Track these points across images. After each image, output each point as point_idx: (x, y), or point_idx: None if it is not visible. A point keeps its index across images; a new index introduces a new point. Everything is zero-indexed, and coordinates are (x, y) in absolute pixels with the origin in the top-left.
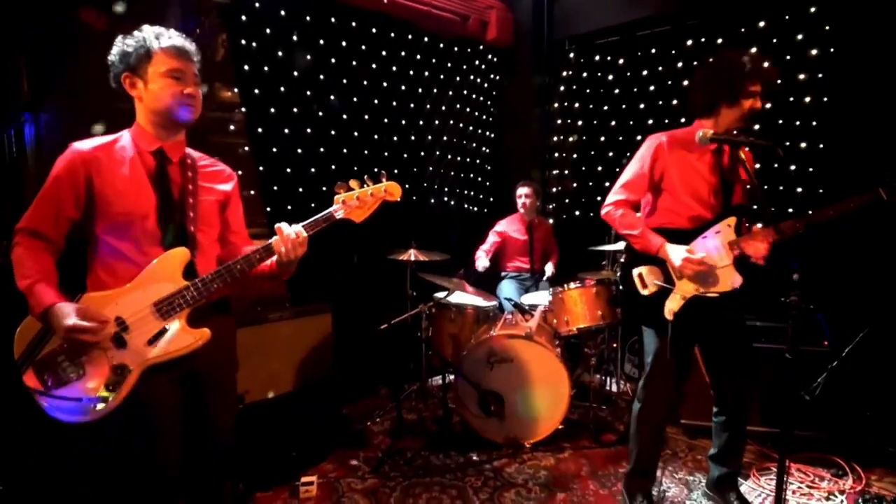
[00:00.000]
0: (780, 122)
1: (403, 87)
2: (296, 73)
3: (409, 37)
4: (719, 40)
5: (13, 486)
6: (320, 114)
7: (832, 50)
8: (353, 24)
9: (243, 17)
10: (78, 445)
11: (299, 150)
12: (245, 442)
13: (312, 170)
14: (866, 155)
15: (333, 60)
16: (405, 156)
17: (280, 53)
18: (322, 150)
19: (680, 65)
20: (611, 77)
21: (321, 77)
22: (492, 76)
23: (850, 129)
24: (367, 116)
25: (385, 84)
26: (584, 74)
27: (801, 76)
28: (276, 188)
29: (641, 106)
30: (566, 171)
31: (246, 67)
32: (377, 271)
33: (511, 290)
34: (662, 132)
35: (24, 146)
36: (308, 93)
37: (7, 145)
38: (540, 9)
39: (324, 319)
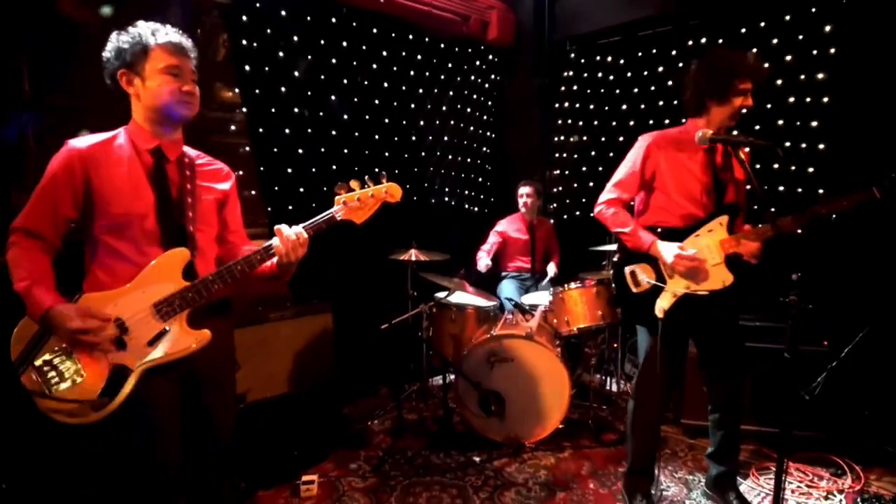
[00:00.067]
0: (781, 122)
1: (404, 88)
2: (296, 74)
3: (410, 37)
4: (720, 40)
5: (13, 486)
6: (321, 114)
7: (833, 50)
8: (354, 24)
9: (244, 18)
10: (78, 445)
11: (300, 151)
12: (246, 441)
13: (313, 170)
14: (867, 155)
15: (334, 61)
16: (406, 156)
17: (281, 54)
18: (323, 150)
19: (681, 65)
20: (612, 77)
21: (322, 77)
22: (493, 76)
23: (851, 129)
24: (367, 116)
25: (386, 84)
26: (585, 74)
27: (802, 76)
28: (277, 188)
29: (642, 106)
30: (567, 172)
31: (247, 67)
32: (378, 271)
33: (511, 289)
34: (654, 131)
35: (25, 146)
36: (309, 93)
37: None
38: (541, 9)
39: (325, 319)
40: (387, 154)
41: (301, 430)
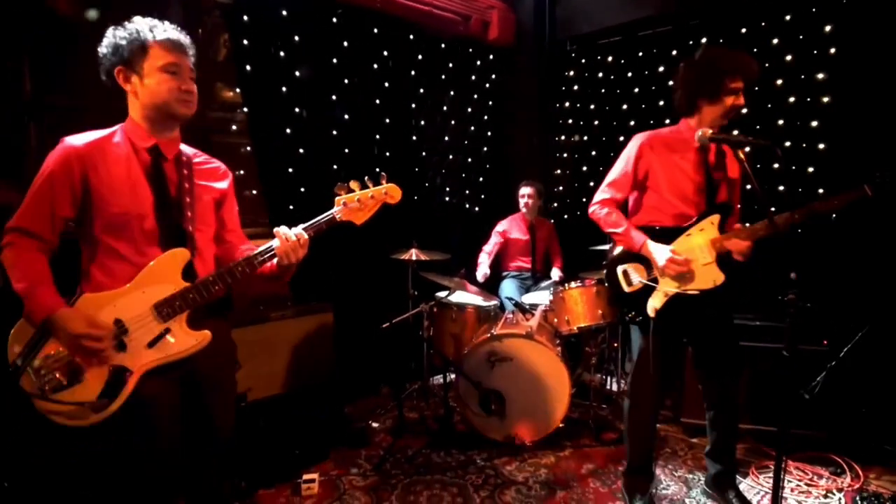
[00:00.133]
0: (781, 122)
1: (405, 87)
2: (297, 74)
3: (411, 37)
4: (720, 41)
5: (13, 486)
6: (322, 114)
7: (833, 50)
8: (355, 24)
9: (245, 18)
10: (78, 445)
11: (301, 150)
12: (247, 440)
13: (314, 169)
14: (867, 155)
15: (335, 60)
16: (406, 155)
17: (282, 53)
18: (324, 150)
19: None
20: (612, 77)
21: (323, 77)
22: (493, 76)
23: (852, 129)
24: (368, 116)
25: (386, 84)
26: (586, 74)
27: (802, 76)
28: (277, 188)
29: (643, 106)
30: (567, 171)
31: (248, 67)
32: (379, 271)
33: (512, 289)
34: (647, 131)
35: (26, 146)
36: (310, 93)
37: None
38: (542, 9)
39: (325, 318)
40: (387, 154)
41: (302, 429)
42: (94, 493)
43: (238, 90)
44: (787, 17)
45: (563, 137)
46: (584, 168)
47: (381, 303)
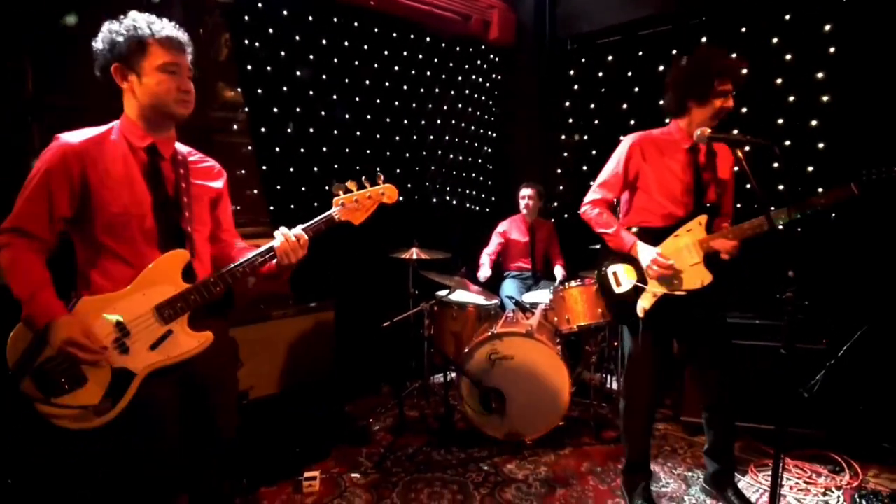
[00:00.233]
0: (781, 121)
1: (405, 87)
2: (298, 73)
3: (412, 36)
4: (721, 40)
5: (13, 486)
6: (323, 113)
7: (833, 50)
8: (356, 23)
9: (246, 17)
10: (78, 445)
11: (302, 150)
12: (249, 438)
13: (315, 169)
14: (867, 154)
15: (336, 60)
16: (407, 155)
17: (283, 53)
18: (325, 149)
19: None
20: (612, 76)
21: (324, 77)
22: (494, 75)
23: (851, 128)
24: (369, 116)
25: (387, 83)
26: (586, 74)
27: (802, 75)
28: (278, 187)
29: (643, 105)
30: (568, 170)
31: (249, 67)
32: (379, 270)
33: (512, 288)
34: (638, 132)
35: (29, 146)
36: (311, 92)
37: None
38: (542, 8)
39: (327, 317)
40: (388, 153)
41: (303, 428)
42: (94, 493)
43: (239, 90)
44: (787, 17)
45: (563, 136)
46: (585, 167)
47: (382, 302)
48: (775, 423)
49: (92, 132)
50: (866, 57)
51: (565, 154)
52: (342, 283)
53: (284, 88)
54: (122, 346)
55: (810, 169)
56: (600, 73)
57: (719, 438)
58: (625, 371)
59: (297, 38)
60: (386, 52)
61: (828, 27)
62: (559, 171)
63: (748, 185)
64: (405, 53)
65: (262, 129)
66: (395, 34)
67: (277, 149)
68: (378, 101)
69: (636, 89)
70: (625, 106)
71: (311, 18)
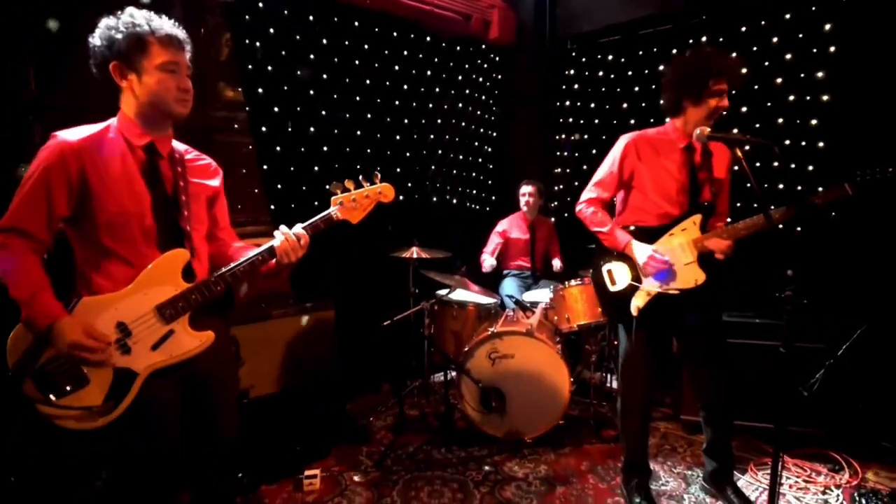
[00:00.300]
0: (781, 120)
1: (406, 86)
2: (299, 73)
3: (412, 36)
4: (721, 39)
5: (14, 486)
6: (323, 113)
7: (833, 49)
8: (356, 23)
9: (247, 17)
10: (79, 445)
11: (302, 149)
12: (250, 436)
13: (316, 168)
14: (867, 154)
15: (336, 60)
16: (408, 154)
17: (283, 53)
18: (325, 148)
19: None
20: (613, 76)
21: (324, 76)
22: (494, 75)
23: (851, 127)
24: (369, 115)
25: (388, 83)
26: (586, 73)
27: (802, 75)
28: (279, 186)
29: (643, 105)
30: (568, 170)
31: (249, 67)
32: (380, 269)
33: (512, 287)
34: (634, 132)
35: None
36: (311, 92)
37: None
38: (542, 8)
39: (327, 316)
40: (388, 153)
41: (304, 426)
42: (95, 493)
43: (240, 89)
44: (787, 16)
45: (563, 136)
46: (584, 167)
47: (383, 301)
48: (775, 421)
49: (89, 130)
50: (866, 56)
51: (565, 153)
52: (342, 282)
53: (285, 88)
54: (124, 347)
55: (810, 168)
56: (600, 73)
57: (717, 437)
58: (620, 370)
59: (298, 37)
60: (386, 52)
61: (828, 26)
62: (558, 170)
63: (749, 185)
64: (405, 53)
65: (263, 129)
66: (395, 34)
67: (278, 148)
68: (378, 100)
69: (636, 89)
70: (625, 105)
71: (311, 18)
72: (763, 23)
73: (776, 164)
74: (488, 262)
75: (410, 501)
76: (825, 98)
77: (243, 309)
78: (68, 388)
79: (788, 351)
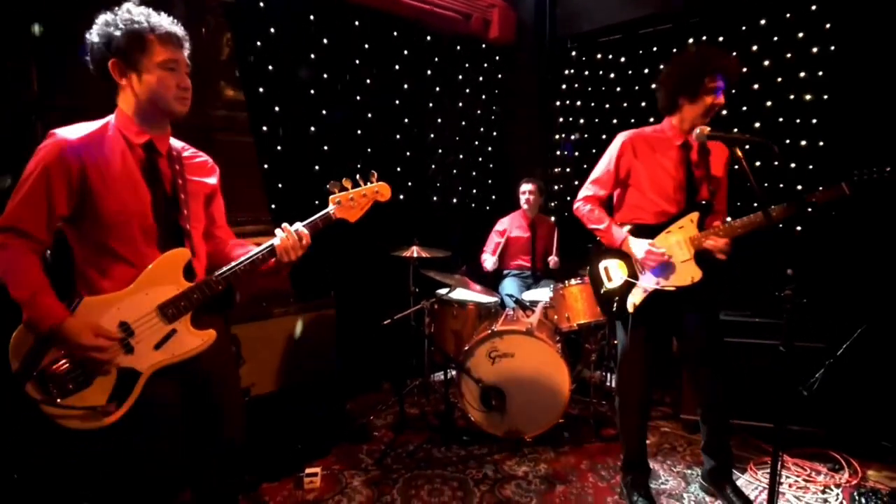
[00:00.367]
0: (781, 119)
1: (406, 86)
2: (300, 72)
3: (412, 35)
4: (721, 38)
5: (15, 487)
6: (324, 112)
7: (833, 48)
8: (357, 22)
9: (248, 17)
10: (78, 445)
11: (303, 148)
12: (251, 434)
13: (316, 168)
14: (867, 153)
15: (337, 59)
16: (408, 154)
17: (284, 52)
18: (325, 148)
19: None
20: (613, 75)
21: (325, 76)
22: (494, 74)
23: (851, 127)
24: (370, 115)
25: (388, 82)
26: (587, 73)
27: (802, 74)
28: (279, 185)
29: (643, 104)
30: (568, 170)
31: (250, 66)
32: (380, 268)
33: (513, 286)
34: (631, 130)
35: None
36: (311, 91)
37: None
38: (542, 7)
39: (327, 315)
40: (389, 152)
41: (304, 425)
42: (95, 493)
43: (240, 89)
44: (787, 15)
45: (563, 135)
46: (585, 166)
47: (383, 300)
48: (774, 420)
49: (88, 128)
50: (866, 56)
51: (565, 153)
52: (343, 281)
53: (286, 87)
54: (127, 346)
55: (811, 167)
56: (600, 72)
57: (714, 435)
58: (618, 367)
59: (298, 37)
60: (387, 51)
61: (828, 25)
62: (558, 169)
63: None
64: (406, 52)
65: (264, 128)
66: (395, 33)
67: (278, 147)
68: (379, 99)
69: (636, 88)
70: (625, 105)
71: (312, 17)
72: (763, 22)
73: (776, 163)
74: (490, 261)
75: (411, 500)
76: (825, 97)
77: (244, 308)
78: (72, 387)
79: (788, 350)
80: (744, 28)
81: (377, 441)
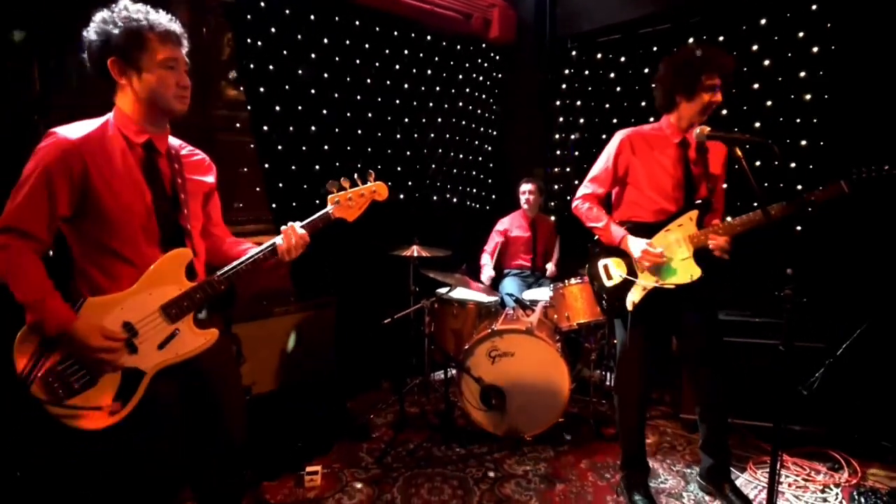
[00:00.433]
0: (781, 119)
1: (407, 85)
2: (300, 72)
3: (413, 35)
4: (721, 38)
5: (15, 487)
6: (324, 111)
7: (833, 47)
8: (357, 22)
9: (248, 17)
10: (78, 445)
11: (304, 148)
12: (251, 432)
13: (317, 167)
14: (867, 152)
15: (337, 59)
16: (408, 153)
17: (285, 52)
18: (326, 147)
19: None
20: (612, 75)
21: (325, 75)
22: (494, 74)
23: (851, 126)
24: (370, 114)
25: (388, 82)
26: (586, 72)
27: (802, 73)
28: (280, 185)
29: (643, 104)
30: (568, 169)
31: (251, 66)
32: (380, 267)
33: (513, 286)
34: (630, 128)
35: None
36: (312, 91)
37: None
38: (542, 7)
39: (328, 314)
40: (389, 151)
41: (305, 423)
42: (95, 493)
43: (241, 88)
44: (788, 14)
45: (563, 135)
46: (585, 166)
47: (383, 299)
48: (774, 420)
49: (88, 127)
50: (868, 54)
51: (566, 152)
52: (343, 281)
53: (286, 87)
54: (131, 346)
55: (811, 167)
56: (600, 72)
57: (713, 434)
58: (616, 366)
59: (299, 37)
60: (387, 51)
61: (829, 24)
62: (558, 169)
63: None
64: (406, 52)
65: (265, 128)
66: (396, 33)
67: (279, 147)
68: (379, 99)
69: (636, 88)
70: (625, 104)
71: (312, 17)
72: (763, 21)
73: (776, 163)
74: (486, 271)
75: (411, 498)
76: (826, 97)
77: (245, 307)
78: (78, 388)
79: (788, 349)
80: (744, 27)
81: (377, 440)
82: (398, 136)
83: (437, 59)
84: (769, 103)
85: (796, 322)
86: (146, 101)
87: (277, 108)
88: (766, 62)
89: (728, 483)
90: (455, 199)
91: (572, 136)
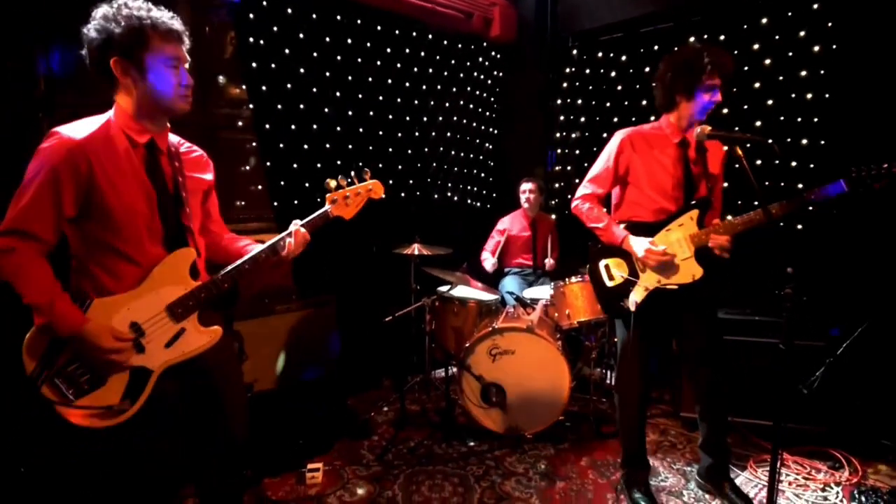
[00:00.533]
0: (782, 118)
1: (408, 84)
2: (302, 71)
3: (414, 34)
4: (722, 37)
5: (15, 487)
6: (326, 110)
7: (834, 47)
8: (359, 21)
9: (251, 16)
10: (78, 445)
11: (305, 146)
12: (253, 430)
13: (318, 165)
14: (868, 152)
15: (339, 58)
16: (409, 152)
17: (287, 51)
18: (328, 146)
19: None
20: (613, 74)
21: (327, 74)
22: (495, 73)
23: (852, 125)
24: (371, 113)
25: (390, 81)
26: (587, 71)
27: (803, 73)
28: (282, 183)
29: (644, 103)
30: (568, 168)
31: (253, 65)
32: (381, 265)
33: (513, 284)
34: (630, 128)
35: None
36: (314, 89)
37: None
38: (543, 5)
39: (329, 312)
40: (390, 150)
41: (306, 421)
42: (95, 493)
43: (244, 87)
44: (789, 14)
45: (563, 134)
46: (585, 164)
47: (384, 297)
48: (774, 418)
49: (90, 126)
50: (868, 54)
51: (566, 151)
52: (344, 279)
53: (288, 86)
54: (139, 346)
55: (812, 166)
56: (601, 70)
57: (713, 433)
58: (617, 365)
59: (301, 35)
60: (388, 50)
61: (830, 24)
62: (558, 168)
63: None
64: (407, 51)
65: (267, 126)
66: (397, 31)
67: (281, 145)
68: (381, 97)
69: (637, 86)
70: (626, 103)
71: (314, 16)
72: (764, 21)
73: (777, 162)
74: (489, 262)
75: (411, 495)
76: (826, 96)
77: (246, 304)
78: (87, 387)
79: (788, 348)
80: (745, 27)
81: (378, 437)
82: (399, 134)
83: (438, 57)
84: (770, 102)
85: (796, 321)
86: (149, 100)
87: (279, 106)
88: (767, 61)
89: (728, 482)
90: (456, 198)
91: (573, 136)
